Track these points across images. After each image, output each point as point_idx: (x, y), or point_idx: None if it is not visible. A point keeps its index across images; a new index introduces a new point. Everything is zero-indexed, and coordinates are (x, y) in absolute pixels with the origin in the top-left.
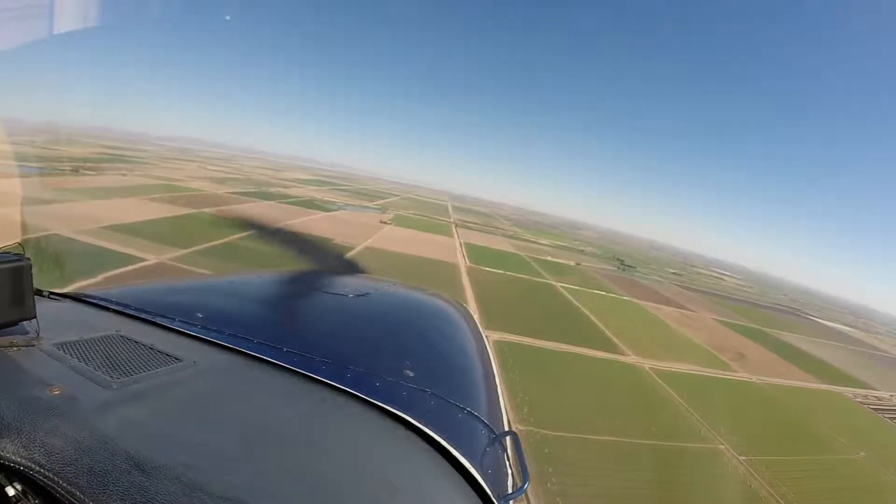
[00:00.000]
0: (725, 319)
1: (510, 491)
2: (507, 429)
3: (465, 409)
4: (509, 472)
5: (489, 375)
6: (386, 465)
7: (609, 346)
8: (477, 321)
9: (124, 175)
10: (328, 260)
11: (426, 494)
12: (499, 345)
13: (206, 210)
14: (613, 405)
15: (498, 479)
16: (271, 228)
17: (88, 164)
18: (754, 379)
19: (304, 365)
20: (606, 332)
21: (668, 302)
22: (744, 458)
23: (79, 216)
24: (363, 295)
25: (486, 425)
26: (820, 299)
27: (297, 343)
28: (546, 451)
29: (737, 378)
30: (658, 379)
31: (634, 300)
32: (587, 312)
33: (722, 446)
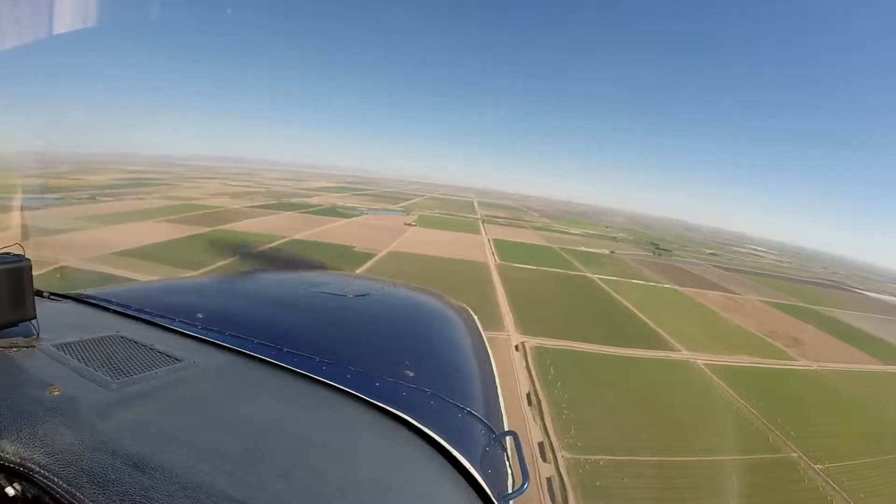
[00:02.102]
0: (772, 300)
1: (510, 491)
2: (506, 429)
3: (465, 409)
4: (509, 472)
5: (489, 375)
6: (386, 465)
7: (658, 343)
8: (478, 322)
9: (142, 199)
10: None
11: (426, 494)
12: (538, 352)
13: (221, 227)
14: (671, 414)
15: (498, 479)
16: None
17: (107, 191)
18: (814, 366)
19: (305, 365)
20: (653, 326)
21: (711, 286)
22: (820, 466)
23: (89, 244)
24: (363, 295)
25: (486, 425)
26: (859, 269)
27: (298, 343)
28: (598, 483)
29: (796, 368)
30: (714, 376)
31: (677, 287)
32: (630, 306)
33: (795, 454)
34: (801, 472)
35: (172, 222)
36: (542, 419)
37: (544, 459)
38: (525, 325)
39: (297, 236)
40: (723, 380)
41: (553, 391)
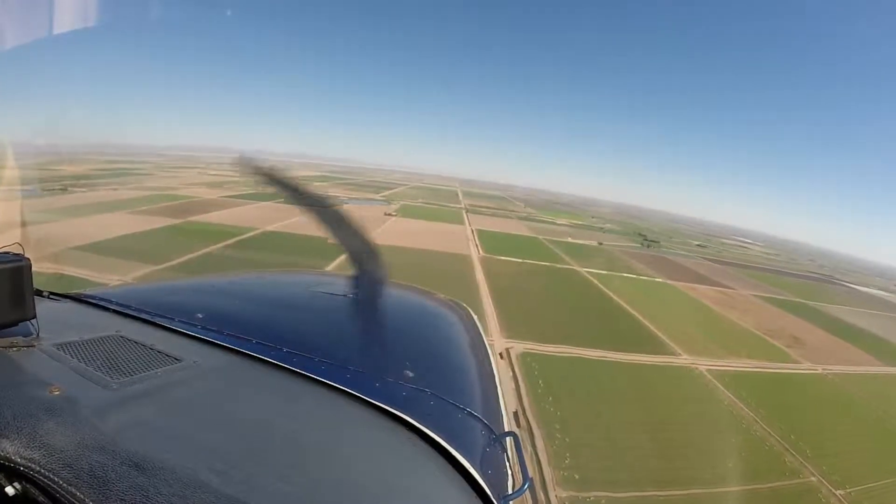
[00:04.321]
0: (766, 295)
1: (510, 491)
2: (507, 429)
3: (465, 410)
4: (509, 472)
5: (489, 376)
6: (386, 465)
7: (656, 346)
8: (478, 322)
9: (115, 189)
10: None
11: (426, 495)
12: (524, 359)
13: (191, 218)
14: (677, 434)
15: (498, 480)
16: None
17: (81, 182)
18: (819, 369)
19: (305, 365)
20: (649, 326)
21: (703, 280)
22: (842, 492)
23: (46, 238)
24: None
25: (486, 425)
26: (844, 262)
27: (297, 343)
28: None
29: (801, 371)
30: (719, 385)
31: (669, 282)
32: (622, 303)
33: (814, 478)
34: (823, 499)
35: (140, 213)
36: (533, 444)
37: (534, 501)
38: (511, 328)
39: (269, 227)
40: (729, 389)
41: (544, 408)
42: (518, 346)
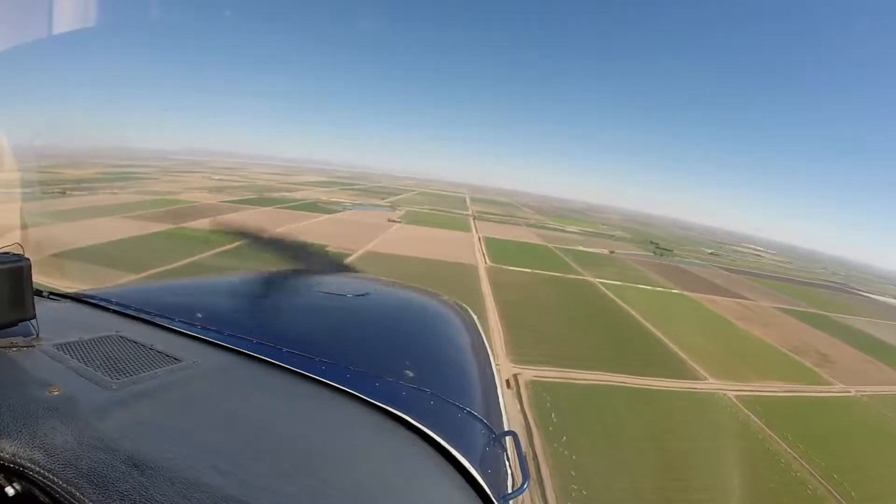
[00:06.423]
0: (786, 307)
1: (510, 491)
2: (506, 429)
3: (465, 409)
4: (509, 471)
5: (489, 375)
6: (386, 465)
7: (680, 369)
8: (477, 322)
9: (115, 193)
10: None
11: (426, 494)
12: (534, 388)
13: (186, 224)
14: (711, 481)
15: (498, 479)
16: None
17: (83, 185)
18: (852, 391)
19: (305, 365)
20: (671, 345)
21: (722, 292)
22: None
23: (27, 243)
24: (363, 295)
25: (486, 425)
26: (856, 270)
27: (297, 343)
28: None
29: (833, 395)
30: (751, 414)
31: (686, 293)
32: (640, 318)
33: None
34: None
35: (135, 218)
36: (543, 497)
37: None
38: (518, 350)
39: (266, 234)
40: (761, 419)
41: (556, 449)
42: (527, 373)
